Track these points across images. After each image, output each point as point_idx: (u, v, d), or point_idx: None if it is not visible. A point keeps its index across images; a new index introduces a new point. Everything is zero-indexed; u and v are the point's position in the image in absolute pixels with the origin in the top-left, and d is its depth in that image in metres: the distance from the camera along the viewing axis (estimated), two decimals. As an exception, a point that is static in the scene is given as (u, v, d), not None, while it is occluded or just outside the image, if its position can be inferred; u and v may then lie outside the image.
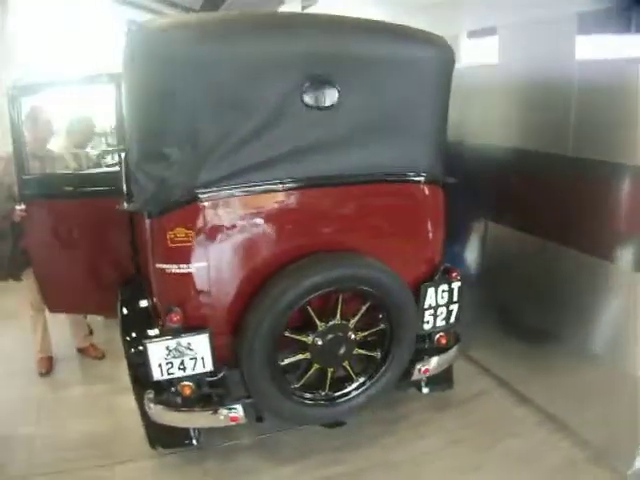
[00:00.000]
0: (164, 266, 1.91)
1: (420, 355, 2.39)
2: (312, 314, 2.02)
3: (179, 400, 2.02)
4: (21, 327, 3.39)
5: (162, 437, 2.23)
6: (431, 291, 2.28)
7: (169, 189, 1.85)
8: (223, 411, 2.03)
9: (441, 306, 2.33)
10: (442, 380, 2.71)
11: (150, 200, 1.88)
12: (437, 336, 2.40)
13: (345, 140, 2.01)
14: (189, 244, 1.87)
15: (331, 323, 2.06)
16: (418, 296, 2.26)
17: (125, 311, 2.31)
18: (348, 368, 2.19)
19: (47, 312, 3.18)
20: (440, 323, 2.36)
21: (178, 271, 1.90)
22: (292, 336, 2.03)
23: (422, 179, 2.21)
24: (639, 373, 2.15)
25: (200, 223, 1.87)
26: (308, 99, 1.89)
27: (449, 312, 2.37)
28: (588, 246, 2.38)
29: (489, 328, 3.19)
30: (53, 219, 2.85)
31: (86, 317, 3.50)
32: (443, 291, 2.31)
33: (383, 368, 2.23)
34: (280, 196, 1.98)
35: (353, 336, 2.11)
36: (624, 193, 2.26)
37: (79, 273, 2.91)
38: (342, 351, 2.10)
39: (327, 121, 1.96)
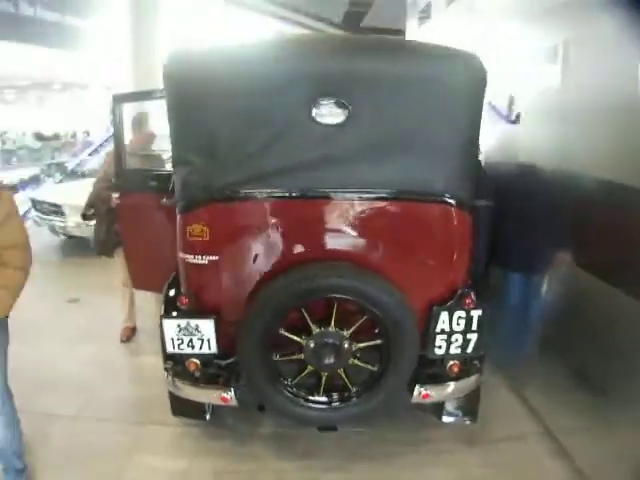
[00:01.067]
0: (184, 256, 2.24)
1: (427, 379, 2.36)
2: (307, 317, 2.16)
3: (188, 374, 2.33)
4: (115, 299, 4.07)
5: (180, 407, 2.57)
6: (444, 315, 2.24)
7: (191, 190, 2.17)
8: (217, 391, 2.29)
9: (456, 333, 2.28)
10: (465, 411, 2.66)
11: (179, 199, 2.22)
12: (450, 363, 2.35)
13: (356, 156, 2.11)
14: (204, 239, 2.16)
15: (325, 330, 2.17)
16: (430, 319, 2.26)
17: (170, 293, 2.70)
18: (343, 377, 2.26)
19: (135, 288, 3.80)
20: (454, 350, 2.30)
21: (194, 261, 2.21)
22: (287, 335, 2.19)
23: (439, 200, 2.20)
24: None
25: (213, 222, 2.16)
26: (317, 116, 2.04)
27: (466, 340, 2.30)
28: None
29: (550, 371, 2.98)
30: (141, 208, 3.39)
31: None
32: (459, 317, 2.26)
33: (377, 384, 2.25)
34: (287, 204, 2.17)
35: (347, 345, 2.18)
36: None
37: (160, 257, 3.41)
38: (335, 358, 2.18)
39: (337, 137, 2.08)
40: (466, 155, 2.23)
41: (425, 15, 5.06)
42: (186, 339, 2.23)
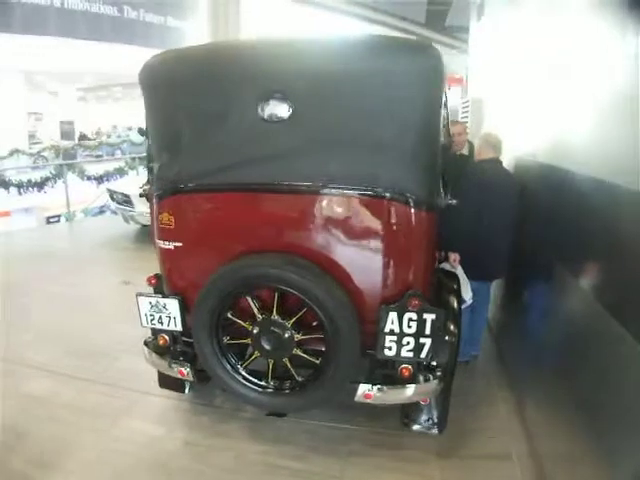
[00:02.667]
0: (157, 241, 2.64)
1: (373, 380, 2.48)
2: (252, 304, 2.43)
3: (160, 348, 2.74)
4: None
5: (164, 380, 3.02)
6: (392, 315, 2.33)
7: (162, 183, 2.55)
8: (176, 365, 2.67)
9: (408, 335, 2.36)
10: (431, 421, 2.74)
11: (154, 190, 2.63)
12: (401, 367, 2.43)
13: (301, 151, 2.30)
14: (170, 226, 2.54)
15: (269, 317, 2.42)
16: (379, 318, 2.36)
17: None
18: (289, 366, 2.49)
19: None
20: (406, 354, 2.38)
21: (163, 246, 2.61)
22: (233, 319, 2.48)
23: (386, 196, 2.28)
24: None
25: (177, 211, 2.52)
26: (263, 113, 2.28)
27: (419, 345, 2.37)
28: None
29: (558, 395, 2.93)
30: None
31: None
32: (410, 320, 2.33)
33: (318, 377, 2.44)
34: (237, 197, 2.45)
35: (287, 335, 2.41)
36: None
37: None
38: (276, 346, 2.42)
39: (282, 133, 2.29)
40: (421, 151, 2.28)
41: (481, 12, 5.05)
42: (156, 315, 2.65)
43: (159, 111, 2.49)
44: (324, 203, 2.38)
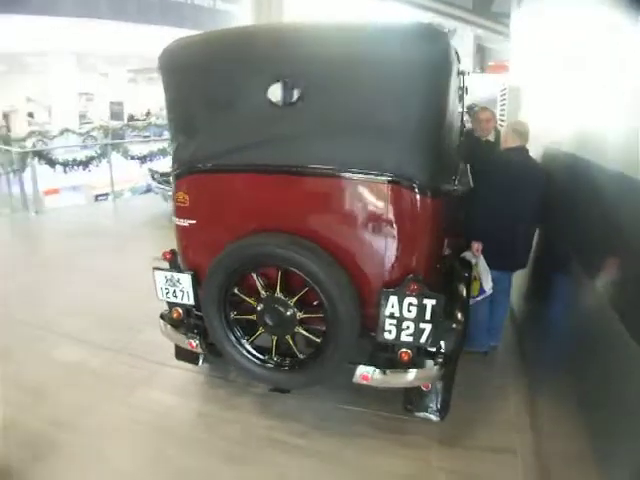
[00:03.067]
0: (175, 219, 2.82)
1: (373, 362, 2.53)
2: (257, 282, 2.55)
3: (174, 321, 2.92)
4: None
5: (179, 352, 3.21)
6: (393, 299, 2.38)
7: (179, 163, 2.71)
8: (186, 337, 2.84)
9: (408, 320, 2.40)
10: (432, 407, 2.80)
11: (172, 171, 2.80)
12: (400, 351, 2.48)
13: (307, 134, 2.38)
14: (185, 205, 2.71)
15: (272, 295, 2.54)
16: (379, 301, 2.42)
17: None
18: (291, 343, 2.61)
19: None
20: (406, 338, 2.43)
21: (179, 224, 2.78)
22: (240, 294, 2.62)
23: (390, 179, 2.33)
24: None
25: (192, 190, 2.68)
26: (273, 97, 2.37)
27: (419, 330, 2.41)
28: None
29: (571, 390, 2.92)
30: None
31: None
32: (410, 304, 2.38)
33: (317, 356, 2.53)
34: (248, 178, 2.56)
35: (289, 313, 2.51)
36: None
37: None
38: (281, 323, 2.54)
39: (289, 116, 2.38)
40: (427, 137, 2.32)
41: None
42: (171, 289, 2.82)
43: (177, 94, 2.64)
44: (332, 186, 2.46)
